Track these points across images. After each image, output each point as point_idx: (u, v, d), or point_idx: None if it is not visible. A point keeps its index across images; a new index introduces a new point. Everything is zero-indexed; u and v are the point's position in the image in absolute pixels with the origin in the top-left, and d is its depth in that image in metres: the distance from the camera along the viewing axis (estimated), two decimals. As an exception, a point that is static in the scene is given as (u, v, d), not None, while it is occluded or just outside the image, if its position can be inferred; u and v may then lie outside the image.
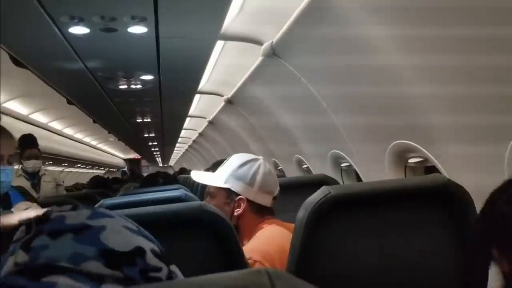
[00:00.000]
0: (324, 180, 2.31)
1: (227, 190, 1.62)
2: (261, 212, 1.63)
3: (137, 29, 2.31)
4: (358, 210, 1.27)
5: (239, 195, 1.60)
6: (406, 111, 1.86)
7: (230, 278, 0.37)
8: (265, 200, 1.63)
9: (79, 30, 2.28)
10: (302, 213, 1.23)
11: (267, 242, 1.52)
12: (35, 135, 4.16)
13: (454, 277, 1.24)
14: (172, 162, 20.14)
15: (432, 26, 1.49)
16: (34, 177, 4.18)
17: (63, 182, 4.89)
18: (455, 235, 1.31)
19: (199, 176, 1.77)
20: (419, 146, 1.88)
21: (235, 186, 1.61)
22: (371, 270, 1.24)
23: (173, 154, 15.52)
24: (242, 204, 1.60)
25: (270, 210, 1.66)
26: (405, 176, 2.15)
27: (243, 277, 0.36)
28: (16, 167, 4.33)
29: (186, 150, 13.20)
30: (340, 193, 1.24)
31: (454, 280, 1.23)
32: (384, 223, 1.29)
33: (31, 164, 4.07)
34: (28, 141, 4.04)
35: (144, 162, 20.46)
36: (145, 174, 10.26)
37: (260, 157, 1.69)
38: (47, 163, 8.74)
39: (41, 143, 4.20)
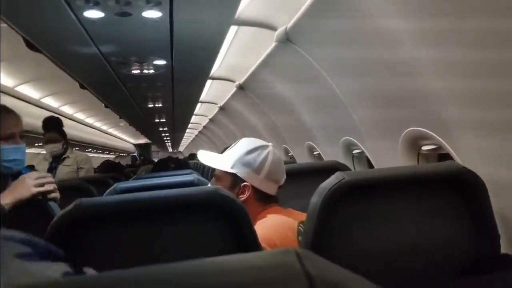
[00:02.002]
0: (336, 167, 2.31)
1: (233, 175, 1.61)
2: (265, 200, 1.63)
3: (152, 14, 2.31)
4: (372, 196, 1.27)
5: (245, 181, 1.60)
6: (421, 97, 1.85)
7: (260, 258, 0.37)
8: (271, 189, 1.63)
9: (93, 14, 2.28)
10: (316, 198, 1.24)
11: (270, 229, 1.51)
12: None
13: (466, 264, 1.25)
14: (181, 148, 20.21)
15: (449, 17, 1.48)
16: (56, 161, 4.09)
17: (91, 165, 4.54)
18: (468, 223, 1.31)
19: (206, 157, 1.75)
20: (433, 133, 1.87)
21: (241, 172, 1.60)
22: (384, 256, 1.24)
23: (183, 139, 15.55)
24: (246, 191, 1.59)
25: (274, 198, 1.66)
26: (418, 164, 2.15)
27: (273, 256, 0.37)
28: (42, 151, 4.29)
29: (196, 136, 13.22)
30: (354, 179, 1.24)
31: (466, 267, 1.24)
32: (398, 210, 1.29)
33: (48, 148, 4.03)
34: (48, 124, 4.01)
35: (153, 148, 20.53)
36: (155, 160, 10.30)
37: (270, 144, 1.68)
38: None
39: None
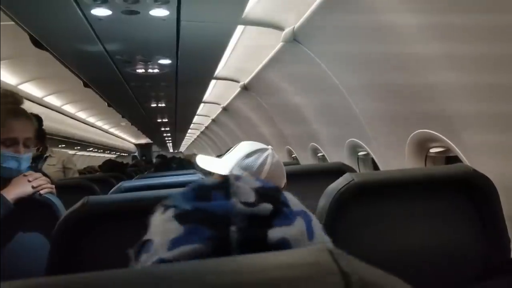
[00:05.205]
0: (341, 169, 2.30)
1: None
2: None
3: (159, 12, 2.31)
4: (382, 198, 1.26)
5: None
6: (429, 99, 1.84)
7: (293, 256, 0.37)
8: None
9: (101, 12, 2.28)
10: (324, 200, 1.23)
11: None
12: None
13: (476, 266, 1.24)
14: (182, 148, 20.17)
15: (457, 13, 1.47)
16: (36, 161, 3.82)
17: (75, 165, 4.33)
18: (478, 226, 1.30)
19: (204, 162, 1.69)
20: (441, 136, 1.86)
21: None
22: (392, 259, 1.23)
23: (184, 140, 15.52)
24: None
25: None
26: (425, 166, 2.14)
27: (306, 254, 0.36)
28: None
29: (198, 136, 13.18)
30: (364, 181, 1.24)
31: (476, 270, 1.23)
32: (408, 212, 1.28)
33: None
34: None
35: (154, 148, 20.50)
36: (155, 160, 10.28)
37: (269, 147, 1.65)
38: (59, 146, 8.80)
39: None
